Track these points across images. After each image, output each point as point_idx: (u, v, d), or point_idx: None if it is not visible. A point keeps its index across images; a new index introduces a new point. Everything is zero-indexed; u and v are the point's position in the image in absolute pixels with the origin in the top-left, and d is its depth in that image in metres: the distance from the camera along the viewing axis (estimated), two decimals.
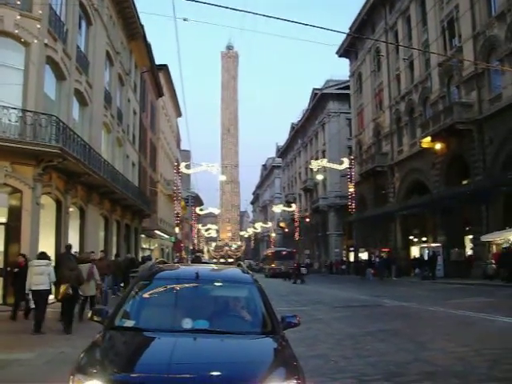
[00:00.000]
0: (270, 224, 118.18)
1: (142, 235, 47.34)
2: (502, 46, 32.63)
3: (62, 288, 13.43)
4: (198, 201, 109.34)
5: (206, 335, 4.51)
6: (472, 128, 35.01)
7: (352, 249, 62.36)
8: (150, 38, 43.72)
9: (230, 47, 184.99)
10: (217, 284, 5.62)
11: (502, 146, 32.79)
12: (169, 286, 5.46)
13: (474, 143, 35.07)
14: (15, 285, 15.90)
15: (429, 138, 37.63)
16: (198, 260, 29.93)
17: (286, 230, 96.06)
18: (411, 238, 47.96)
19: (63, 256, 16.13)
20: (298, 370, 4.11)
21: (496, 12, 33.89)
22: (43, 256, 14.37)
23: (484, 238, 32.84)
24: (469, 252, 36.68)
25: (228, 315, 5.18)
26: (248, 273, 6.12)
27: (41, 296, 13.29)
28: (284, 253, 61.36)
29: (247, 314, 5.22)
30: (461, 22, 37.78)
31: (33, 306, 13.81)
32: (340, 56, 65.37)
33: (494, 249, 33.07)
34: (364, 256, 55.23)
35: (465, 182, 37.10)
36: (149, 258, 26.70)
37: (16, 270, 15.76)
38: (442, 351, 9.67)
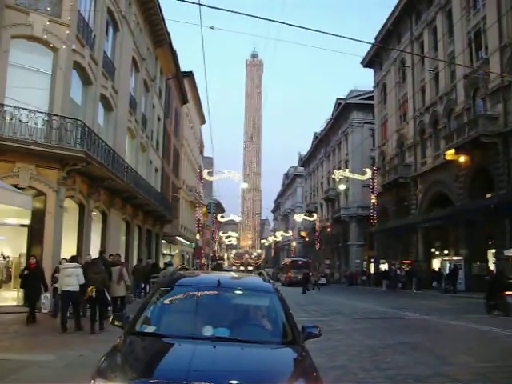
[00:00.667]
0: (290, 233, 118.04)
1: (163, 241, 47.51)
2: None
3: (88, 290, 13.91)
4: (219, 208, 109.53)
5: (226, 343, 4.51)
6: (497, 141, 34.67)
7: (373, 260, 62.00)
8: (175, 45, 44.05)
9: (254, 55, 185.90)
10: (238, 292, 5.61)
11: None
12: (190, 293, 5.47)
13: (499, 156, 34.71)
14: (25, 286, 16.10)
15: (453, 151, 37.33)
16: (219, 267, 29.98)
17: (307, 239, 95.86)
18: (433, 250, 47.57)
19: (94, 260, 16.58)
20: (318, 380, 4.09)
21: None
22: (73, 259, 14.99)
23: (507, 253, 32.43)
24: (491, 266, 36.23)
25: (248, 324, 5.17)
26: (269, 282, 6.11)
27: (71, 296, 14.03)
28: (300, 262, 63.63)
29: (268, 323, 5.21)
30: (488, 34, 37.49)
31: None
32: (365, 66, 65.25)
33: None
34: (385, 267, 54.87)
35: (488, 196, 36.73)
36: (170, 264, 26.77)
37: (26, 271, 15.92)
38: (463, 366, 9.57)
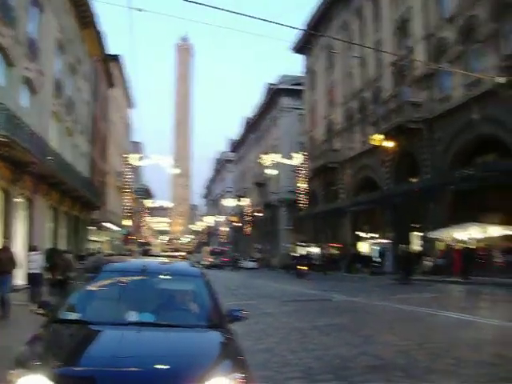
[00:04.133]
0: (221, 218, 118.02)
1: (92, 227, 46.68)
2: (453, 48, 33.36)
3: None
4: (148, 193, 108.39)
5: (152, 328, 4.47)
6: (422, 127, 35.72)
7: (302, 244, 62.79)
8: (105, 28, 43.23)
9: (185, 39, 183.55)
10: (164, 277, 5.55)
11: (449, 145, 33.57)
12: (115, 279, 5.36)
13: (424, 142, 35.78)
14: None
15: (380, 136, 38.15)
16: (147, 253, 29.71)
17: (238, 224, 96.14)
18: (361, 233, 48.63)
19: None
20: (243, 363, 4.11)
21: (447, 15, 34.60)
22: None
23: (431, 235, 33.55)
24: (416, 248, 37.32)
25: (174, 308, 5.13)
26: (196, 266, 6.10)
27: None
28: (217, 250, 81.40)
29: (194, 307, 5.19)
30: (413, 23, 38.46)
31: None
32: (296, 52, 65.65)
33: (441, 245, 33.89)
34: (315, 251, 55.58)
35: (414, 180, 37.80)
36: (97, 252, 26.41)
37: None
38: (387, 345, 9.84)
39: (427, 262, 33.42)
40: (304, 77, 66.89)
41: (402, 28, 40.36)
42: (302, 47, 63.28)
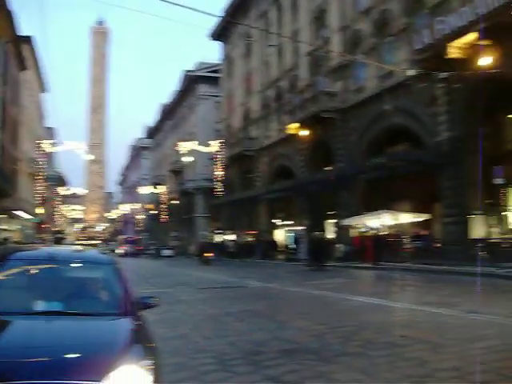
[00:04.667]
0: (137, 206, 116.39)
1: (2, 215, 45.06)
2: (367, 40, 34.23)
3: None
4: (62, 181, 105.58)
5: (61, 317, 4.38)
6: (336, 117, 36.45)
7: (219, 231, 62.90)
8: (15, 9, 41.50)
9: (100, 22, 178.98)
10: (73, 265, 5.43)
11: (363, 135, 34.48)
12: (23, 267, 5.17)
13: (338, 131, 36.54)
14: None
15: (295, 125, 38.66)
16: (60, 241, 29.02)
17: (154, 211, 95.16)
18: (277, 221, 49.20)
19: None
20: (153, 350, 4.12)
21: (363, 7, 35.42)
22: None
23: (343, 222, 34.42)
24: (330, 235, 38.15)
25: (84, 296, 5.02)
26: (106, 254, 6.04)
27: None
28: (131, 239, 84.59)
29: (104, 295, 5.09)
30: (330, 14, 39.12)
31: None
32: (214, 39, 65.37)
33: (354, 232, 34.85)
34: (231, 238, 55.84)
35: (328, 168, 38.56)
36: (4, 240, 25.53)
37: None
38: (300, 330, 10.02)
39: (340, 249, 34.23)
40: (221, 64, 66.76)
41: (319, 19, 40.98)
42: (220, 34, 63.14)
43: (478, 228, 26.01)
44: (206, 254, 40.51)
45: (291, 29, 45.09)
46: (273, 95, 49.18)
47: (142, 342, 4.13)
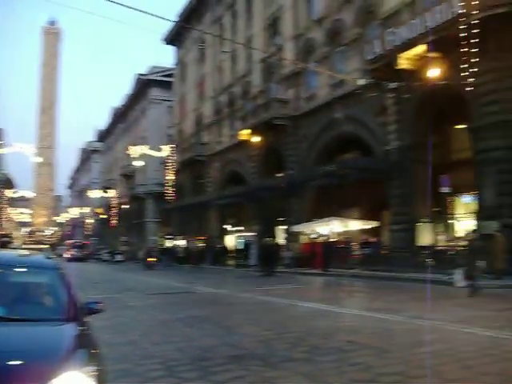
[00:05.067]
0: (86, 210, 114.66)
1: None
2: (320, 49, 34.62)
3: None
4: (10, 183, 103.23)
5: (4, 323, 4.29)
6: (288, 124, 36.70)
7: (169, 236, 62.48)
8: None
9: (53, 23, 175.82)
10: (18, 270, 5.30)
11: (314, 142, 34.82)
12: None
13: (289, 138, 36.79)
14: None
15: (247, 131, 38.80)
16: (6, 245, 28.38)
17: (104, 216, 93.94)
18: (227, 226, 49.16)
19: None
20: (97, 356, 4.06)
21: (316, 16, 35.79)
22: None
23: (294, 229, 34.64)
24: (280, 241, 38.29)
25: (27, 302, 4.91)
26: (52, 258, 5.92)
27: None
28: (79, 243, 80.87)
29: (48, 301, 4.98)
30: (284, 22, 39.42)
31: None
32: (167, 43, 65.04)
33: (304, 239, 35.11)
34: (182, 243, 55.49)
35: (279, 175, 38.74)
36: None
37: None
38: (248, 335, 10.01)
39: (290, 255, 34.40)
40: (175, 69, 66.49)
41: (273, 26, 41.26)
42: (173, 39, 62.90)
43: (425, 235, 26.51)
44: (149, 259, 41.78)
45: (245, 35, 45.24)
46: (225, 101, 49.21)
47: (85, 348, 4.07)
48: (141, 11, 16.33)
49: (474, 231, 20.97)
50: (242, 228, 45.79)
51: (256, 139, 37.26)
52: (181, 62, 63.58)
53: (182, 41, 61.80)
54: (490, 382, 6.46)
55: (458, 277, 15.21)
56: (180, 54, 63.95)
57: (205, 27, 52.65)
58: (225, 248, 45.97)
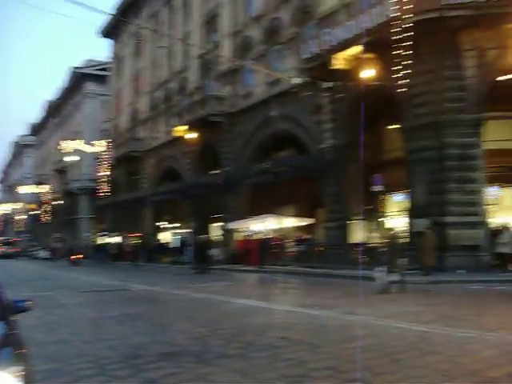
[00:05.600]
0: (18, 205, 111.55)
1: None
2: (257, 46, 34.76)
3: None
4: None
5: None
6: (224, 121, 36.73)
7: (103, 233, 61.53)
8: None
9: None
10: None
11: (250, 140, 34.99)
12: None
13: (226, 135, 36.82)
14: None
15: (183, 127, 38.59)
16: None
17: (36, 212, 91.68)
18: (163, 223, 48.78)
19: None
20: (24, 356, 3.97)
21: (254, 14, 35.90)
22: None
23: (229, 226, 34.70)
24: (215, 238, 38.22)
25: None
26: None
27: None
28: (8, 240, 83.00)
29: None
30: (222, 19, 39.36)
31: None
32: (104, 36, 63.79)
33: (239, 236, 35.20)
34: (116, 240, 54.68)
35: (215, 172, 38.71)
36: None
37: None
38: (182, 332, 10.00)
39: (224, 252, 34.46)
40: (111, 62, 65.37)
41: (211, 23, 41.12)
42: (110, 32, 61.78)
43: (358, 233, 27.01)
44: (73, 257, 42.25)
45: (182, 31, 44.94)
46: (162, 96, 48.78)
47: (11, 347, 3.96)
48: (76, 3, 16.02)
49: (394, 229, 21.70)
50: (178, 225, 45.52)
51: (192, 135, 37.10)
52: (117, 56, 62.54)
53: (119, 34, 60.81)
54: (416, 375, 6.65)
55: (379, 274, 15.45)
56: (116, 48, 62.91)
57: (142, 21, 52.04)
58: (160, 245, 45.57)
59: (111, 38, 63.83)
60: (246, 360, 7.57)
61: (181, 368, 7.16)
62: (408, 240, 23.24)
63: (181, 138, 39.42)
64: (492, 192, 23.82)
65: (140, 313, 12.93)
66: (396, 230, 21.55)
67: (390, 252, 16.52)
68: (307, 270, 25.82)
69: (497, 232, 22.24)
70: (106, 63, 67.95)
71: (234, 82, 37.11)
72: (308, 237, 31.76)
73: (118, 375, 6.86)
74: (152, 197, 46.06)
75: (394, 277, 15.74)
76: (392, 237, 17.66)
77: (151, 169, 49.75)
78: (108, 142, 58.08)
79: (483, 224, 22.13)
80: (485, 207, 22.56)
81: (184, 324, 11.05)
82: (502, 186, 24.77)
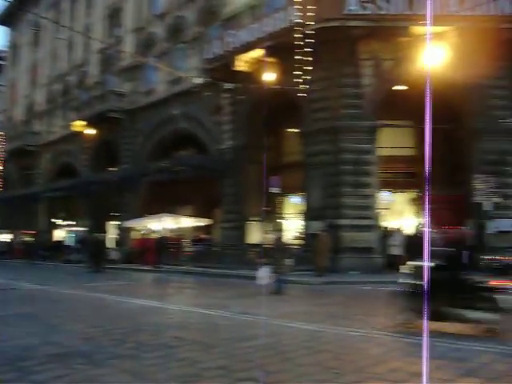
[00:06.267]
0: None
1: None
2: (160, 44, 34.50)
3: None
4: None
5: None
6: (124, 117, 36.18)
7: None
8: None
9: None
10: None
11: (150, 138, 34.71)
12: None
13: (125, 132, 36.27)
14: None
15: (81, 122, 37.66)
16: None
17: None
18: (58, 220, 47.33)
19: None
20: None
21: (158, 11, 35.58)
22: None
23: (126, 224, 34.17)
24: (111, 237, 37.56)
25: None
26: None
27: None
28: None
29: None
30: (125, 14, 38.73)
31: None
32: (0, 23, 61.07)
33: (135, 235, 34.75)
34: (8, 238, 52.41)
35: (113, 169, 38.02)
36: None
37: None
38: (72, 333, 9.77)
39: (120, 251, 33.92)
40: (6, 51, 62.68)
41: (114, 16, 40.34)
42: (6, 19, 59.19)
43: (255, 233, 27.32)
44: None
45: (84, 23, 43.83)
46: (60, 89, 47.36)
47: None
48: None
49: (280, 230, 22.25)
50: (74, 222, 44.34)
51: (90, 131, 36.38)
52: (13, 45, 60.06)
53: (16, 23, 58.37)
54: (308, 372, 6.84)
55: (262, 274, 15.59)
56: (13, 37, 60.39)
57: (41, 10, 50.26)
58: (55, 243, 44.13)
59: (7, 26, 61.23)
60: (138, 360, 7.52)
61: (71, 369, 6.99)
62: (303, 242, 23.90)
63: (79, 134, 38.51)
64: (384, 197, 24.88)
65: (28, 313, 12.50)
66: (282, 231, 21.98)
67: (276, 252, 16.76)
68: (204, 269, 25.86)
69: (388, 234, 23.28)
70: (1, 51, 65.08)
71: (136, 78, 36.63)
72: (205, 237, 31.87)
73: (5, 378, 6.60)
74: (47, 193, 44.58)
75: (277, 277, 15.92)
76: (277, 237, 17.90)
77: (47, 164, 48.18)
78: (0, 135, 55.62)
79: (376, 227, 23.03)
80: (377, 211, 23.49)
81: (75, 324, 10.79)
82: (394, 191, 25.95)
